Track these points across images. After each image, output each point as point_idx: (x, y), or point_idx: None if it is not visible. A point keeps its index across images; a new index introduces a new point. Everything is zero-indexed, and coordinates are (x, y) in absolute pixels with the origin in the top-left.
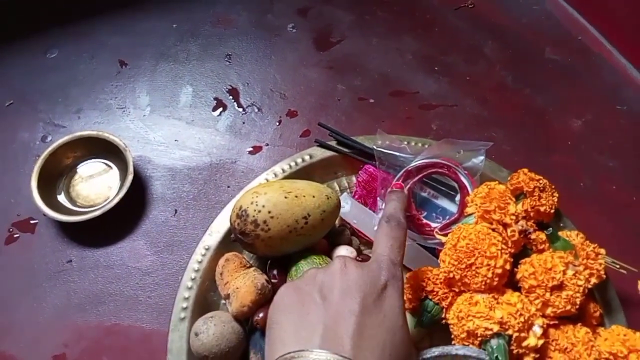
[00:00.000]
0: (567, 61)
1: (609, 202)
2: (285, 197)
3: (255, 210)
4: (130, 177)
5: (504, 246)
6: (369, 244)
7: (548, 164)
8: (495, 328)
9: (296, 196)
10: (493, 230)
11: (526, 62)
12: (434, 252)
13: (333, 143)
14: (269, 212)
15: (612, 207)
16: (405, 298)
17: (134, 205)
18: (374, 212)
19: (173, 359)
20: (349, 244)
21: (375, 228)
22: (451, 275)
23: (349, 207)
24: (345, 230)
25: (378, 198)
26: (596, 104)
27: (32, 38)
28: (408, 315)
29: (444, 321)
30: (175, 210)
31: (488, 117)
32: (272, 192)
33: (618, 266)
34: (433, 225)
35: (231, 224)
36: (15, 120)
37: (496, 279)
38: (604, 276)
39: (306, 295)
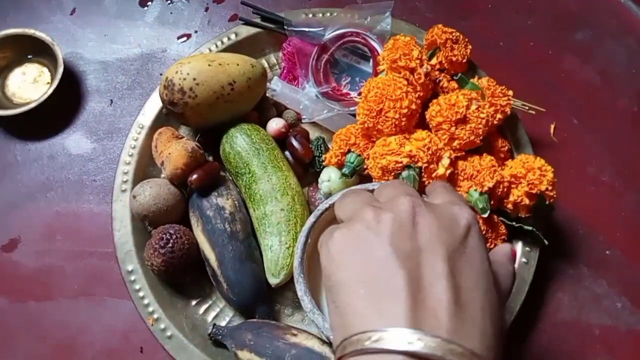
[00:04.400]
0: None
1: (525, 58)
2: (209, 65)
3: (180, 79)
4: (60, 70)
5: (409, 89)
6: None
7: (469, 27)
8: (405, 161)
9: (220, 64)
10: (401, 77)
11: None
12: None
13: (258, 21)
14: (194, 79)
15: (528, 62)
16: (331, 154)
17: (70, 98)
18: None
19: (118, 224)
20: (280, 117)
21: (302, 106)
22: (366, 125)
23: (279, 89)
24: (272, 107)
25: (299, 77)
26: None
27: None
28: (334, 169)
29: (366, 171)
30: (111, 101)
31: None
32: (195, 61)
33: (527, 107)
34: (352, 93)
35: (160, 96)
36: None
37: (404, 119)
38: (509, 112)
39: (374, 248)
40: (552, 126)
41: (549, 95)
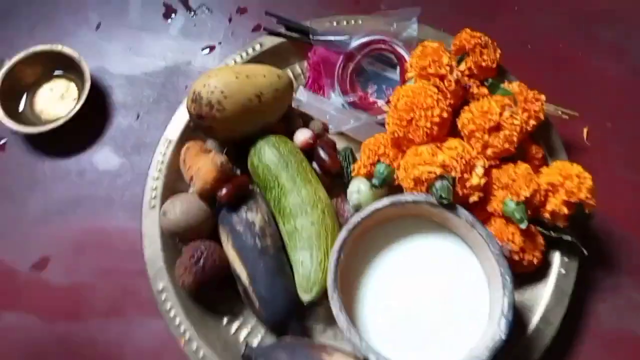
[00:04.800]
0: None
1: (553, 59)
2: (237, 77)
3: (208, 92)
4: (87, 85)
5: (440, 97)
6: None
7: (496, 29)
8: (438, 171)
9: (247, 76)
10: (431, 85)
11: None
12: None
13: (282, 30)
14: (222, 92)
15: (556, 63)
16: (360, 164)
17: (97, 114)
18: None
19: (148, 241)
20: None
21: (328, 116)
22: (396, 134)
23: (305, 99)
24: (299, 118)
25: (325, 86)
26: None
27: None
28: (363, 180)
29: (396, 181)
30: (138, 115)
31: None
32: (222, 74)
33: (560, 112)
34: (380, 102)
35: (188, 110)
36: None
37: (435, 127)
38: (542, 117)
39: None
40: (585, 130)
41: (579, 97)
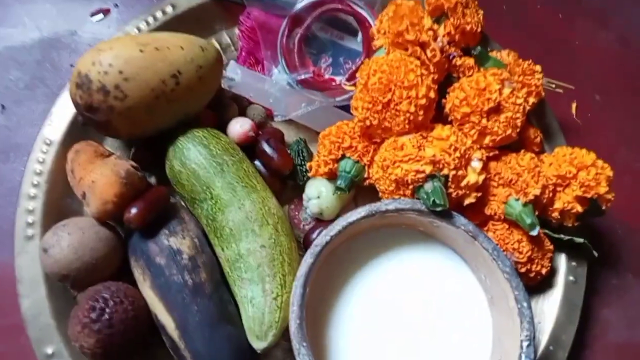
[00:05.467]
0: None
1: (532, 24)
2: (141, 51)
3: (100, 73)
4: None
5: (424, 71)
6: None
7: None
8: (428, 169)
9: (157, 48)
10: (410, 55)
11: None
12: (348, 110)
13: None
14: (120, 72)
15: (535, 30)
16: (319, 161)
17: None
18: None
19: (26, 290)
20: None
21: (271, 98)
22: (368, 122)
23: (239, 77)
24: (232, 103)
25: (264, 60)
26: None
27: None
28: (324, 181)
29: (367, 181)
30: (2, 106)
31: None
32: (120, 47)
33: (554, 85)
34: (338, 78)
35: (72, 99)
36: None
37: (421, 112)
38: (543, 94)
39: None
40: (574, 105)
41: (563, 68)
